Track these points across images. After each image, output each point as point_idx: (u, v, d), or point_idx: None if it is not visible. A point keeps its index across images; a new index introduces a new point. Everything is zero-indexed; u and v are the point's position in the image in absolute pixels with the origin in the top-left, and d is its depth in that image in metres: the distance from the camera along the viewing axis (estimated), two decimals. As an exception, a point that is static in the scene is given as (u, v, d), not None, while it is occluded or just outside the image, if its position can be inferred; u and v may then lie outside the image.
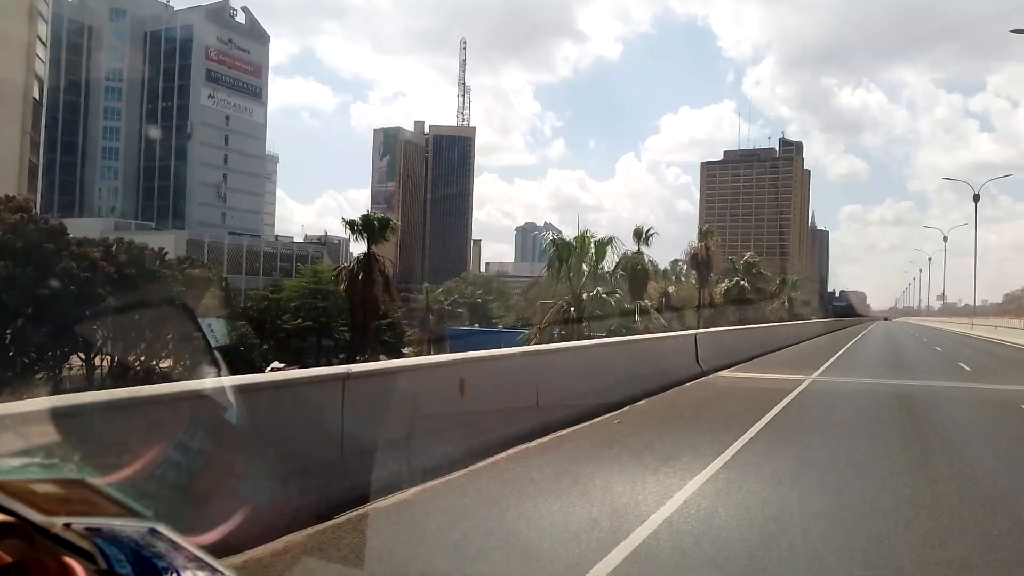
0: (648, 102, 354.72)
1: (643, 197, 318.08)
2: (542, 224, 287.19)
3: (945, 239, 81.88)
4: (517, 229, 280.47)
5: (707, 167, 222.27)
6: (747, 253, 55.75)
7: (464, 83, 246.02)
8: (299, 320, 70.43)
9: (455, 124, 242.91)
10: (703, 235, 50.39)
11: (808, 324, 41.03)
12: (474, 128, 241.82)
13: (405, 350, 71.94)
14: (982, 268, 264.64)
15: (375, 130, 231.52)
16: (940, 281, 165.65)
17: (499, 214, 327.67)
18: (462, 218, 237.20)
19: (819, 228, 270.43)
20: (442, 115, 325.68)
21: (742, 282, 46.34)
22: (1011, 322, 46.66)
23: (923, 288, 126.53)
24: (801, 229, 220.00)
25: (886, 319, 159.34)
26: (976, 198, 54.71)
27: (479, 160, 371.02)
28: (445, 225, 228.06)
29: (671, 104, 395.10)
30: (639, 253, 38.92)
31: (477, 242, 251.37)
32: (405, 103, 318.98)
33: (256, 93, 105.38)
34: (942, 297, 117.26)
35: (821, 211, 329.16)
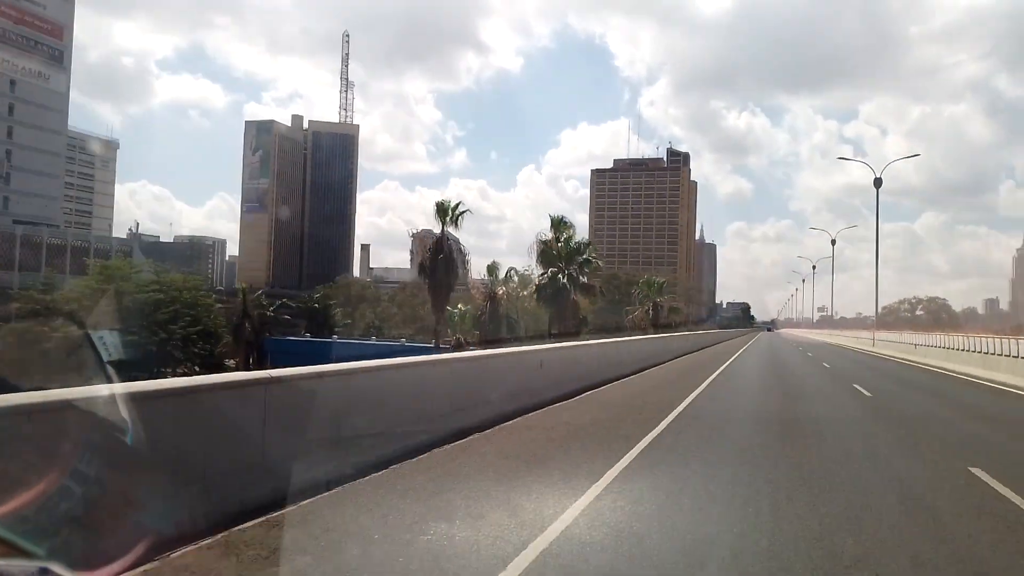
0: (548, 116, 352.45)
1: (543, 208, 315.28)
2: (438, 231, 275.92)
3: (833, 242, 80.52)
4: (413, 236, 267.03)
5: (597, 175, 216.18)
6: (569, 229, 41.21)
7: (347, 78, 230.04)
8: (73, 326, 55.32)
9: (338, 120, 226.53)
10: (556, 224, 38.76)
11: (667, 339, 28.69)
12: (357, 126, 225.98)
13: (229, 362, 59.07)
14: (856, 284, 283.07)
15: (247, 122, 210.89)
16: (820, 294, 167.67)
17: (401, 222, 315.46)
18: (345, 220, 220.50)
19: (708, 242, 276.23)
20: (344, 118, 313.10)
21: (561, 276, 31.87)
22: (948, 338, 27.34)
23: (803, 301, 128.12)
24: (689, 239, 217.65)
25: (770, 330, 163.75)
26: (878, 182, 46.77)
27: (381, 167, 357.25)
28: (326, 227, 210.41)
29: (570, 119, 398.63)
30: (443, 236, 27.14)
31: (365, 247, 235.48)
32: (302, 105, 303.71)
33: (55, 57, 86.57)
34: (824, 309, 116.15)
35: (710, 227, 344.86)
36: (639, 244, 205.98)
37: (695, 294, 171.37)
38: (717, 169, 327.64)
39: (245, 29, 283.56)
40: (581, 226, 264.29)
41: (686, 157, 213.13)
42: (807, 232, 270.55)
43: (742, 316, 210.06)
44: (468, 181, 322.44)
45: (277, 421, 5.33)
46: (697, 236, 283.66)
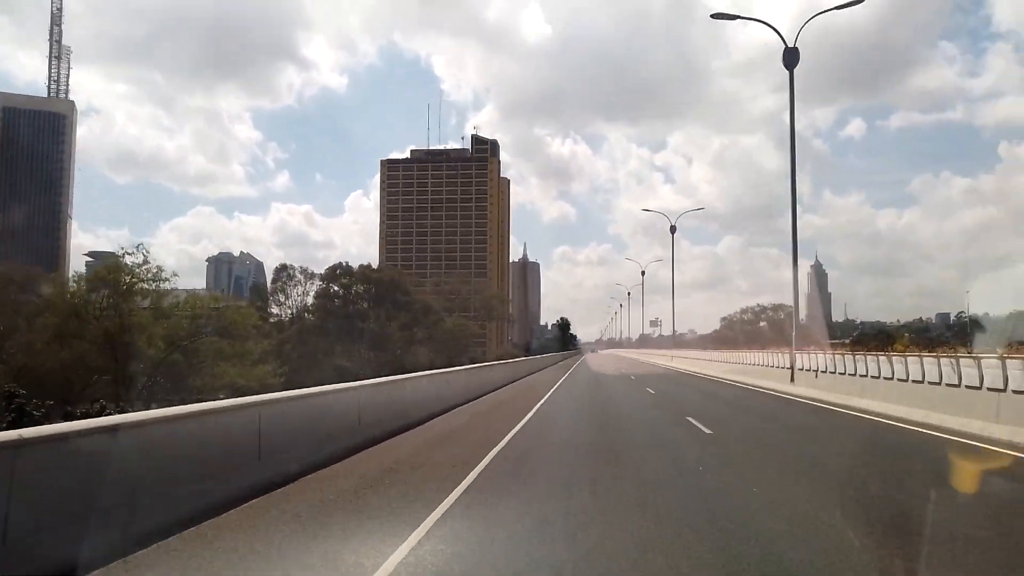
0: (375, 138, 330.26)
1: (373, 235, 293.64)
2: (237, 253, 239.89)
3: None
4: (209, 260, 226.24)
5: (389, 167, 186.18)
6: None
7: (60, 41, 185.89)
8: None
9: (45, 96, 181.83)
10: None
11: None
12: (72, 103, 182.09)
13: None
14: (669, 304, 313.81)
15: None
16: (637, 315, 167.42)
17: (215, 249, 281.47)
18: (55, 222, 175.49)
19: (532, 260, 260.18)
20: (147, 135, 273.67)
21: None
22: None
23: (624, 321, 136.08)
24: (502, 244, 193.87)
25: (593, 351, 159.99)
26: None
27: (194, 190, 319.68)
28: (29, 234, 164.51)
29: (398, 142, 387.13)
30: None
31: (95, 255, 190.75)
32: (98, 122, 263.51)
33: None
34: (657, 323, 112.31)
35: (538, 252, 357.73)
36: (441, 248, 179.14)
37: (498, 306, 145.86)
38: (543, 194, 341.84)
39: (27, 33, 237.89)
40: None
41: (494, 146, 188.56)
42: (624, 255, 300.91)
43: (561, 336, 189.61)
44: (292, 206, 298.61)
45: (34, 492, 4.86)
46: (520, 255, 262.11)
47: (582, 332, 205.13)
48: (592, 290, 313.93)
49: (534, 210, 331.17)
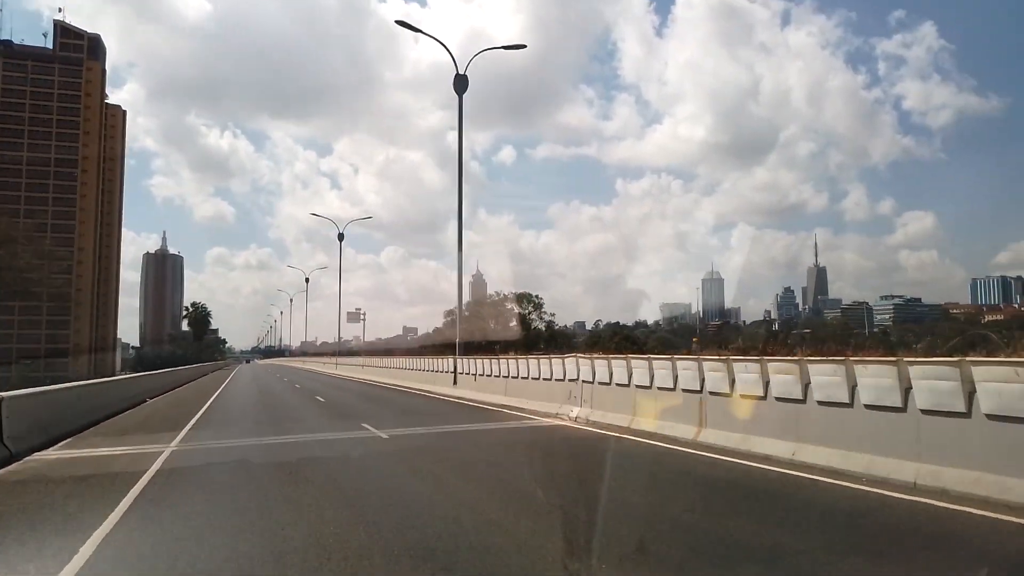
0: None
1: None
2: None
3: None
4: None
5: None
6: None
7: None
8: None
9: None
10: None
11: None
12: None
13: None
14: (332, 312, 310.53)
15: None
16: (300, 321, 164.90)
17: None
18: None
19: (172, 252, 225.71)
20: None
21: None
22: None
23: (284, 329, 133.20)
24: (108, 202, 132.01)
25: (248, 361, 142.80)
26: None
27: None
28: None
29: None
30: None
31: None
32: None
33: None
34: (358, 316, 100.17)
35: (189, 252, 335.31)
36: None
37: (48, 279, 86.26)
38: (198, 190, 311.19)
39: None
40: None
41: (95, 45, 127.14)
42: (287, 261, 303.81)
43: (192, 340, 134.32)
44: None
45: None
46: (158, 246, 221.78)
47: (240, 340, 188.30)
48: (251, 296, 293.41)
49: (184, 206, 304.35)
